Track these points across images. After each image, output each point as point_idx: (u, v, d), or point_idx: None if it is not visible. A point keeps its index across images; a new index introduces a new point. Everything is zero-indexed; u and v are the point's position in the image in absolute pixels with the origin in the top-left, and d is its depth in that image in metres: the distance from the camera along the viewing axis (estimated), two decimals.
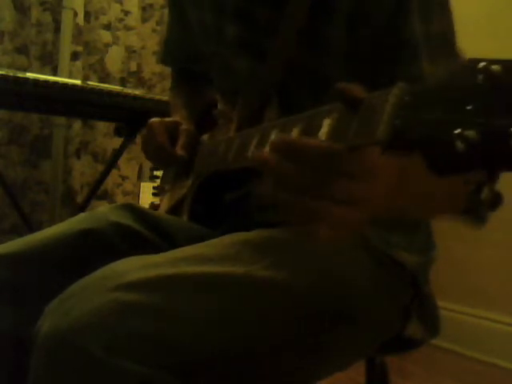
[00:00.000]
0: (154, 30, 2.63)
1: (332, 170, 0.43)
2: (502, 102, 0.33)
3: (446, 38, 0.68)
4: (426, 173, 0.54)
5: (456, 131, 0.34)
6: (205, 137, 0.95)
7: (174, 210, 0.94)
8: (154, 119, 0.90)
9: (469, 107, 0.34)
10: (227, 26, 0.81)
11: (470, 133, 0.33)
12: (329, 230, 0.44)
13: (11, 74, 1.65)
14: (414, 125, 0.37)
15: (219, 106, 0.92)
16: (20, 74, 1.68)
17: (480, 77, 0.34)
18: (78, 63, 2.32)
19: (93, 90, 1.80)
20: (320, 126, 0.48)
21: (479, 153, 0.33)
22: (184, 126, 0.91)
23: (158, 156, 0.90)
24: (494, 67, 0.33)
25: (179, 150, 0.87)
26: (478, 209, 0.60)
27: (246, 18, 0.79)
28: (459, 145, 0.33)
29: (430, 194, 0.53)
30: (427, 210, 0.57)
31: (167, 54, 1.08)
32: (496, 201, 0.36)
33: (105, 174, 2.12)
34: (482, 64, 0.34)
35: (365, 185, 0.44)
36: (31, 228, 1.98)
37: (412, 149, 0.36)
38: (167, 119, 0.92)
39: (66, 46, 2.25)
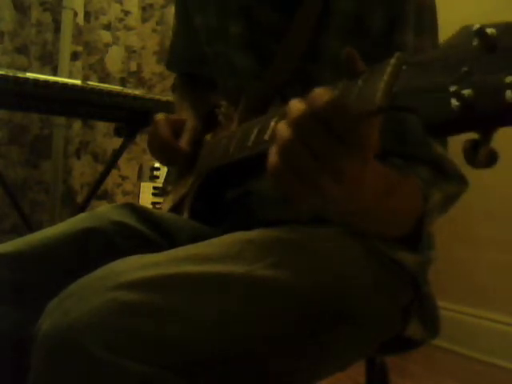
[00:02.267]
0: (154, 30, 2.63)
1: (334, 131, 0.44)
2: (498, 62, 0.33)
3: None
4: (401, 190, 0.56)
5: (451, 89, 0.34)
6: (207, 137, 0.95)
7: (176, 208, 0.94)
8: (160, 115, 0.90)
9: (465, 68, 0.34)
10: (231, 25, 0.82)
11: (466, 91, 0.33)
12: (306, 192, 0.46)
13: (11, 74, 1.65)
14: (412, 91, 0.38)
15: (223, 110, 0.92)
16: (20, 74, 1.68)
17: (475, 40, 0.34)
18: (78, 63, 2.33)
19: (93, 90, 1.80)
20: None
21: (474, 110, 0.33)
22: (190, 123, 0.91)
23: (163, 152, 0.89)
24: (489, 30, 0.34)
25: (184, 145, 0.87)
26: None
27: (249, 17, 0.79)
28: (454, 102, 0.34)
29: (393, 209, 0.56)
30: (381, 223, 0.59)
31: (172, 60, 1.08)
32: (492, 159, 0.36)
33: (105, 173, 2.12)
34: (476, 27, 0.34)
35: (356, 162, 0.45)
36: (31, 228, 1.98)
37: (409, 112, 0.37)
38: (173, 116, 0.93)
39: (66, 46, 2.25)
